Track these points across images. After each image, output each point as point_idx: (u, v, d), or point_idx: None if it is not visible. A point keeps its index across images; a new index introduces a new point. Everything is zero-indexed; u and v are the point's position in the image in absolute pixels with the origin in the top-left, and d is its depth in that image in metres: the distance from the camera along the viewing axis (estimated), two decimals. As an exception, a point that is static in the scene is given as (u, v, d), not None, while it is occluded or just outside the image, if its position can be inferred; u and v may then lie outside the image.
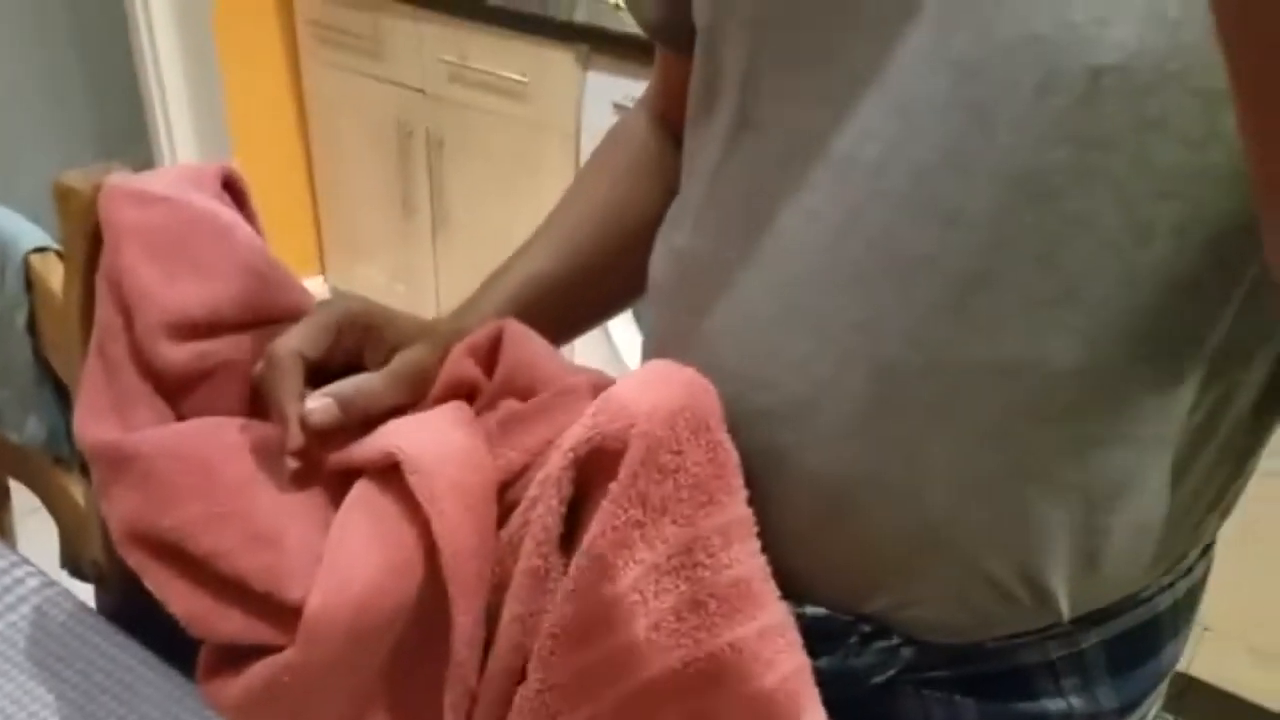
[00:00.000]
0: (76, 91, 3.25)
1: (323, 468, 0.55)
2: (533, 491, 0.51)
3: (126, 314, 0.60)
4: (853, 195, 0.48)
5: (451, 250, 2.40)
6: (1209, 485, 0.53)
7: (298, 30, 2.42)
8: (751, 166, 0.53)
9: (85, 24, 3.12)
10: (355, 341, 0.57)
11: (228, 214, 0.64)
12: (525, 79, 2.05)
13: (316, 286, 2.72)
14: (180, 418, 0.59)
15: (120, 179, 0.64)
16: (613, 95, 1.89)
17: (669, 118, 0.70)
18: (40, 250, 0.78)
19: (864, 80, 0.47)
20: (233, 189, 0.68)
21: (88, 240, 0.67)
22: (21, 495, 0.91)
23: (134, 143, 2.63)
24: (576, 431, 0.50)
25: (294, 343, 0.53)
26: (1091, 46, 0.41)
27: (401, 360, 0.56)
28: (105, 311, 0.61)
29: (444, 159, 2.30)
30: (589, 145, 1.91)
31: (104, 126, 3.28)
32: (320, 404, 0.52)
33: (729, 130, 0.54)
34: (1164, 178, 0.42)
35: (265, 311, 0.61)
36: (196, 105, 2.45)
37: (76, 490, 0.79)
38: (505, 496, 0.53)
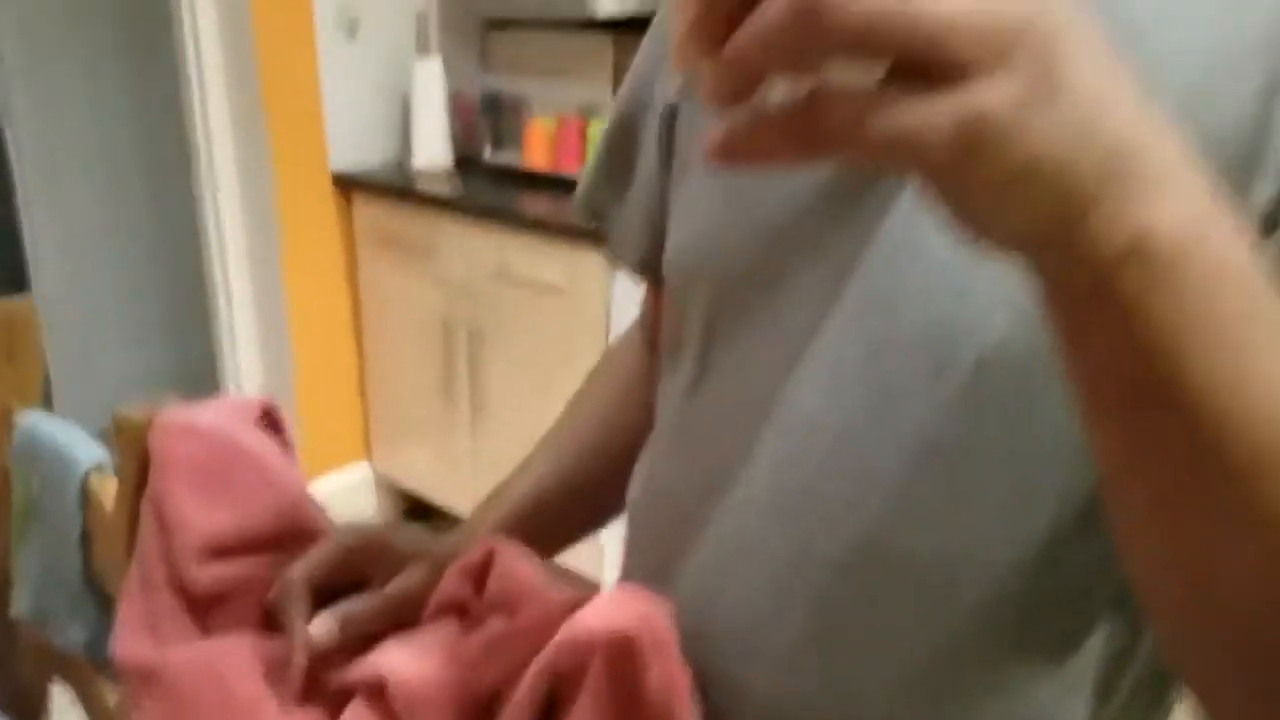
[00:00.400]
0: (149, 290, 3.50)
1: (326, 683, 0.61)
2: (509, 712, 0.57)
3: (165, 537, 0.68)
4: (789, 446, 0.55)
5: (489, 438, 2.50)
6: (1129, 715, 0.56)
7: (356, 237, 2.62)
8: (709, 410, 0.61)
9: (161, 235, 3.40)
10: (360, 564, 0.64)
11: (264, 447, 0.73)
12: (561, 280, 2.19)
13: (362, 471, 2.82)
14: (206, 631, 0.66)
15: (172, 413, 0.74)
16: (637, 296, 2.01)
17: (657, 344, 0.78)
18: (98, 469, 0.87)
19: (802, 346, 0.55)
20: (270, 419, 0.77)
21: (139, 467, 0.76)
22: (64, 692, 0.98)
23: (200, 335, 2.81)
24: (546, 654, 0.56)
25: (304, 569, 0.61)
26: (979, 334, 0.48)
27: (396, 585, 0.63)
28: (147, 534, 0.69)
29: (484, 352, 2.43)
30: (618, 343, 2.02)
31: (174, 319, 3.51)
32: (323, 627, 0.59)
33: (691, 376, 0.62)
34: (1047, 447, 0.48)
35: (288, 536, 0.69)
36: (260, 302, 2.63)
37: (110, 694, 0.86)
38: (486, 715, 0.59)
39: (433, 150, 2.55)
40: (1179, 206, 0.33)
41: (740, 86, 0.31)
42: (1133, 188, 0.33)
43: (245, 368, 2.69)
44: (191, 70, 2.42)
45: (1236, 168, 0.44)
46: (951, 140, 0.30)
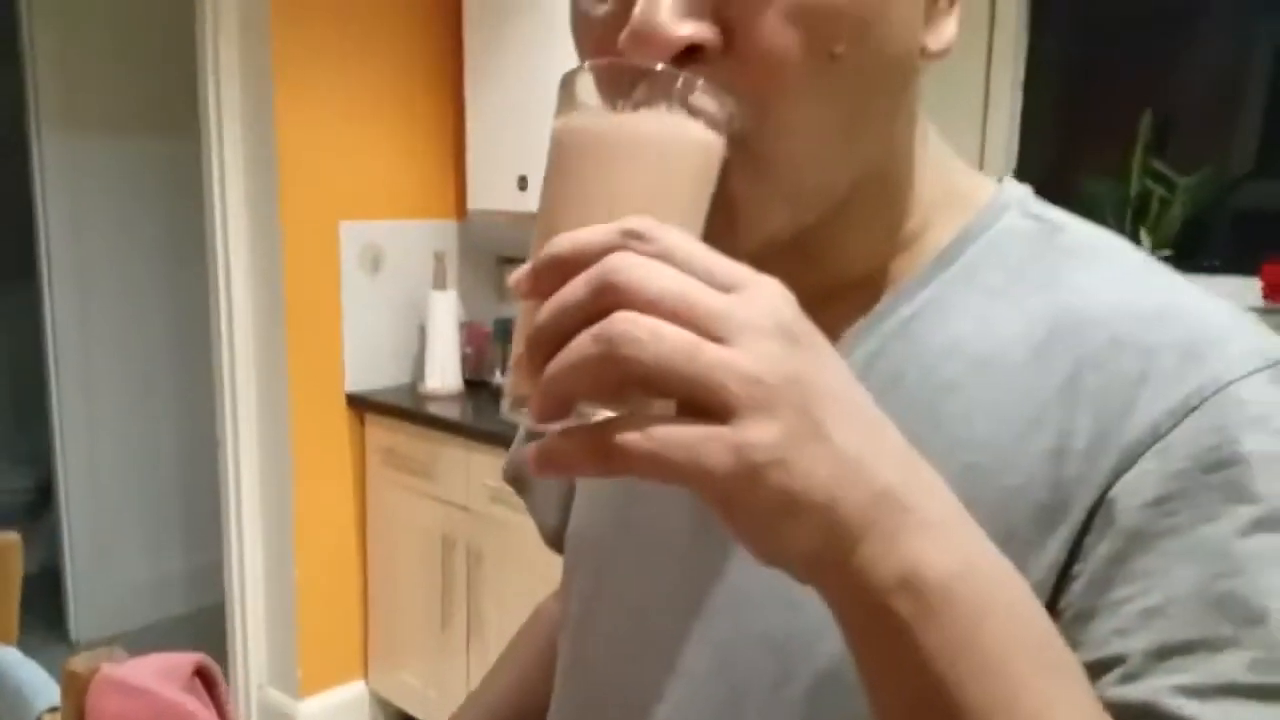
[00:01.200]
0: (167, 494, 3.60)
1: None
2: None
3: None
4: None
5: (484, 661, 2.50)
6: None
7: (366, 455, 2.72)
8: (583, 689, 0.65)
9: (183, 444, 3.53)
10: None
11: (195, 705, 0.78)
12: (555, 506, 2.25)
13: (358, 690, 2.80)
14: None
15: (109, 670, 0.79)
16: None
17: None
18: (51, 712, 0.92)
19: (665, 641, 0.59)
20: (204, 676, 0.82)
21: (78, 716, 0.81)
22: None
23: (211, 543, 2.88)
24: None
25: None
26: (815, 647, 0.51)
27: None
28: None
29: (482, 573, 2.46)
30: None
31: (189, 524, 3.59)
32: None
33: (570, 657, 0.67)
34: None
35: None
36: (268, 514, 2.71)
37: None
38: None
39: (445, 374, 2.68)
40: (946, 546, 0.38)
41: (554, 408, 0.36)
42: (901, 528, 0.37)
43: (250, 577, 2.74)
44: (222, 298, 2.60)
45: (1031, 522, 0.47)
46: (724, 468, 0.34)
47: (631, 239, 0.36)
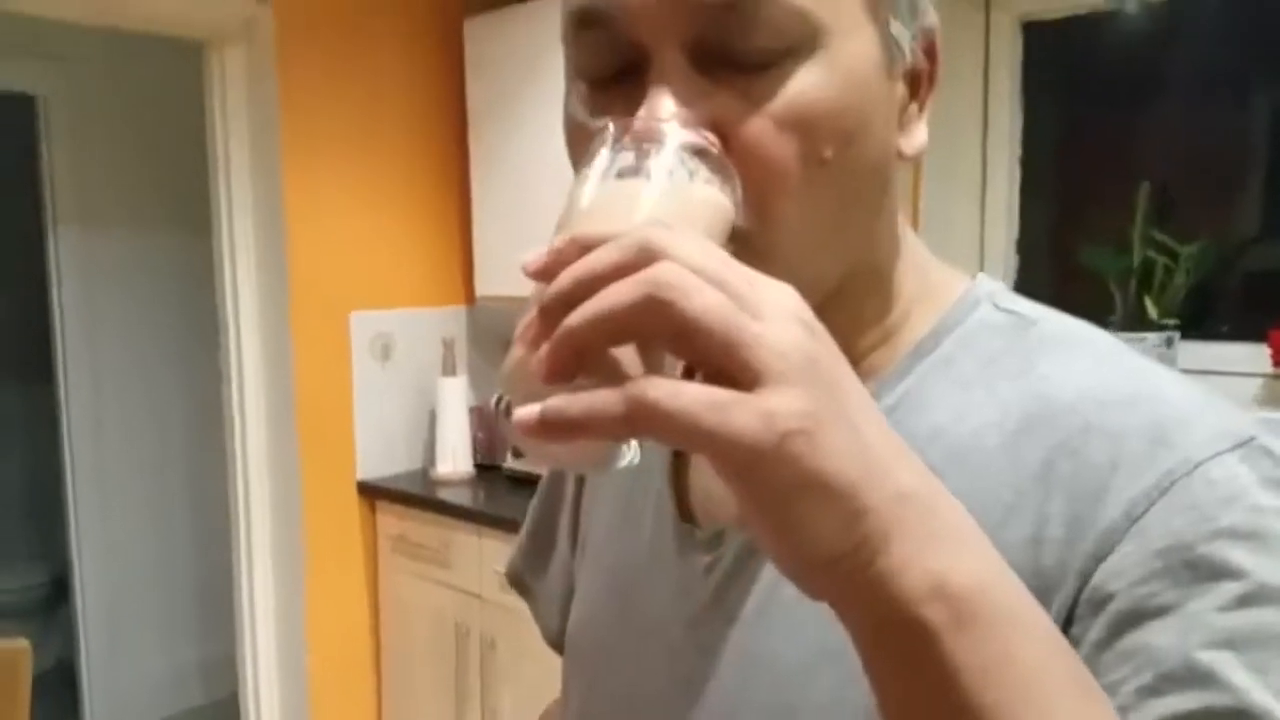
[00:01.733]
0: (181, 584, 3.58)
1: None
2: None
3: None
4: None
5: (498, 751, 2.44)
6: None
7: (378, 542, 2.70)
8: None
9: (196, 534, 3.53)
10: None
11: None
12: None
13: (371, 783, 2.74)
14: None
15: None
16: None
17: None
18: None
19: None
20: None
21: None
22: None
23: (226, 634, 2.85)
24: None
25: None
26: None
27: None
28: None
29: (496, 660, 2.43)
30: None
31: (203, 614, 3.56)
32: None
33: None
34: None
35: None
36: (280, 605, 2.68)
37: None
38: None
39: (456, 459, 2.68)
40: (975, 555, 0.38)
41: (568, 361, 0.35)
42: (930, 533, 0.37)
43: (264, 668, 2.70)
44: (234, 391, 2.62)
45: None
46: (750, 431, 0.33)
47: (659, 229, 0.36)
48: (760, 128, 0.47)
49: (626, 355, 0.37)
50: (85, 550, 3.34)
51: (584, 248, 0.36)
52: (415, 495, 2.60)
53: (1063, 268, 2.35)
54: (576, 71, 0.52)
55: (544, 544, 0.77)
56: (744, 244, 0.46)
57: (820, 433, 0.35)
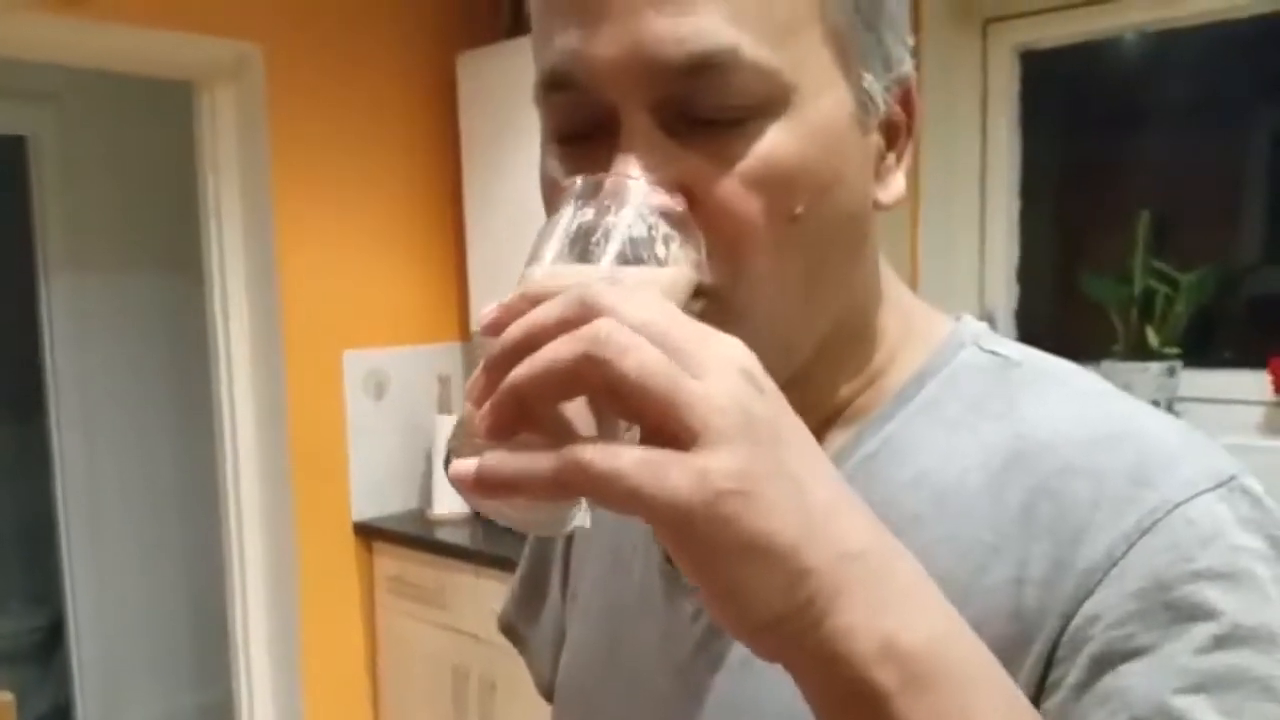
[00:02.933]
0: (176, 628, 3.54)
1: None
2: None
3: None
4: None
5: (499, 797, 2.40)
6: None
7: (375, 584, 2.67)
8: None
9: (191, 577, 3.49)
10: None
11: None
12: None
13: (370, 830, 2.70)
14: None
15: None
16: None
17: None
18: None
19: None
20: None
21: None
22: None
23: (222, 677, 2.81)
24: None
25: None
26: None
27: None
28: None
29: (495, 703, 2.39)
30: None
31: (198, 658, 3.52)
32: None
33: None
34: None
35: None
36: (276, 647, 2.65)
37: None
38: None
39: (452, 498, 2.64)
40: (925, 613, 0.38)
41: (509, 419, 0.35)
42: (878, 593, 0.36)
43: (260, 713, 2.66)
44: (227, 433, 2.60)
45: (997, 654, 0.45)
46: (684, 491, 0.33)
47: (607, 283, 0.36)
48: (729, 187, 0.46)
49: (580, 415, 0.37)
50: (80, 594, 3.31)
51: (533, 302, 0.36)
52: (412, 535, 2.56)
53: (1065, 297, 2.34)
54: (549, 132, 0.52)
55: (536, 592, 0.77)
56: (717, 300, 0.47)
57: (757, 492, 0.34)
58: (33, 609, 3.76)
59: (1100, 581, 0.45)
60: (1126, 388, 2.07)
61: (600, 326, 0.34)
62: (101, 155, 3.27)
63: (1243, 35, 2.05)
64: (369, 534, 2.66)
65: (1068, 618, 0.46)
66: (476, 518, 2.66)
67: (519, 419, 0.35)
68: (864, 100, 0.50)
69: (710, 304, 0.46)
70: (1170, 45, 2.17)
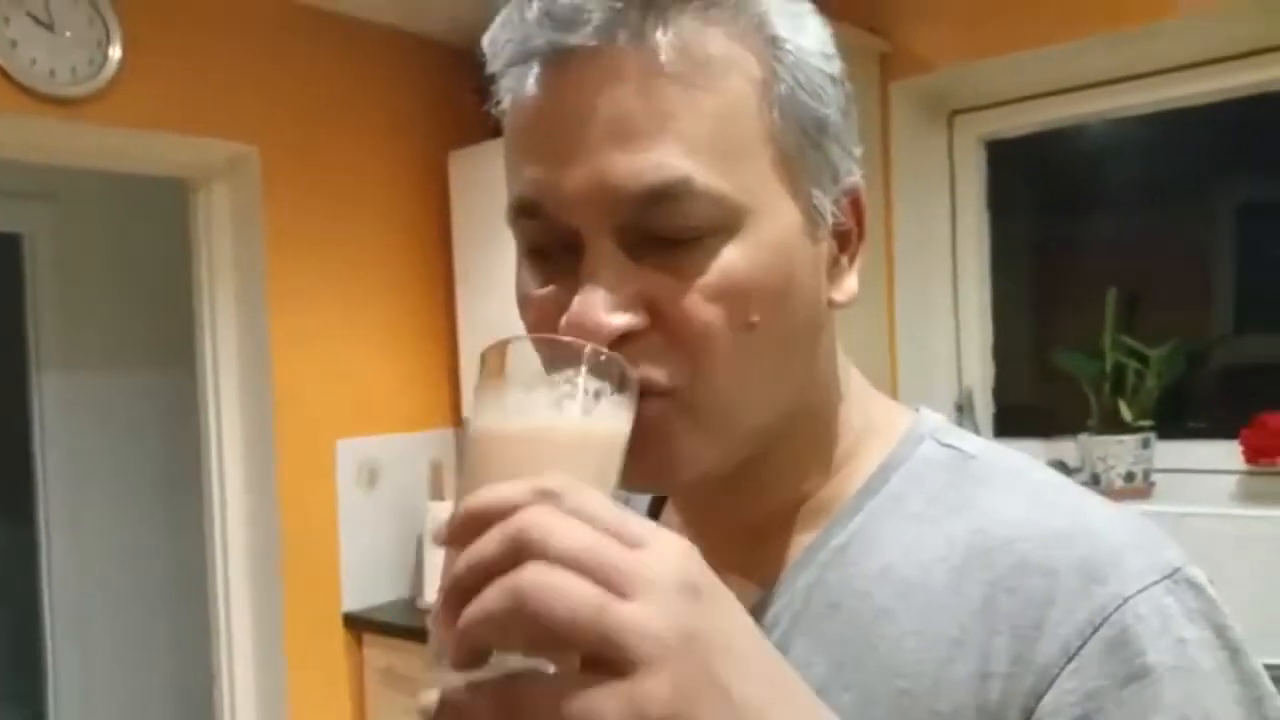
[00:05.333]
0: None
1: None
2: None
3: None
4: None
5: None
6: None
7: (365, 676, 2.65)
8: None
9: (177, 668, 3.44)
10: None
11: None
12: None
13: None
14: None
15: None
16: None
17: None
18: None
19: None
20: None
21: None
22: None
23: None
24: None
25: None
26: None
27: None
28: None
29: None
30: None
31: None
32: None
33: None
34: None
35: None
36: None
37: None
38: None
39: (443, 586, 2.64)
40: None
41: (469, 657, 0.38)
42: None
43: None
44: (217, 529, 2.59)
45: None
46: None
47: (546, 496, 0.39)
48: (691, 300, 0.50)
49: None
50: (63, 692, 3.25)
51: (477, 522, 0.39)
52: (402, 626, 2.55)
53: (1040, 373, 2.41)
54: (522, 249, 0.56)
55: None
56: (681, 400, 0.50)
57: (687, 712, 0.36)
58: (13, 708, 3.67)
59: (1057, 676, 0.48)
60: (1103, 460, 2.12)
61: (524, 575, 0.36)
62: (96, 252, 3.32)
63: (1197, 118, 2.16)
64: (359, 625, 2.64)
65: (1029, 712, 0.48)
66: (467, 605, 2.66)
67: (480, 655, 0.38)
68: (813, 214, 0.54)
69: (675, 403, 0.50)
70: (1131, 129, 2.27)
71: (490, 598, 0.37)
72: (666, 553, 0.39)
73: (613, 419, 0.47)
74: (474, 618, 0.37)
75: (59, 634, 3.26)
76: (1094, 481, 2.10)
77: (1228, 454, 2.05)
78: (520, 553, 0.37)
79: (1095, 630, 0.48)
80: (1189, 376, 2.19)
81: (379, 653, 2.61)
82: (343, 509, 2.63)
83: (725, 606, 0.40)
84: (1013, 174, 2.42)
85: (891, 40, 2.27)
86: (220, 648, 2.61)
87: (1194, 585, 0.50)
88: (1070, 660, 0.48)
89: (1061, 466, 2.19)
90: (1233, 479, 2.07)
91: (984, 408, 2.43)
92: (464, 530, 0.39)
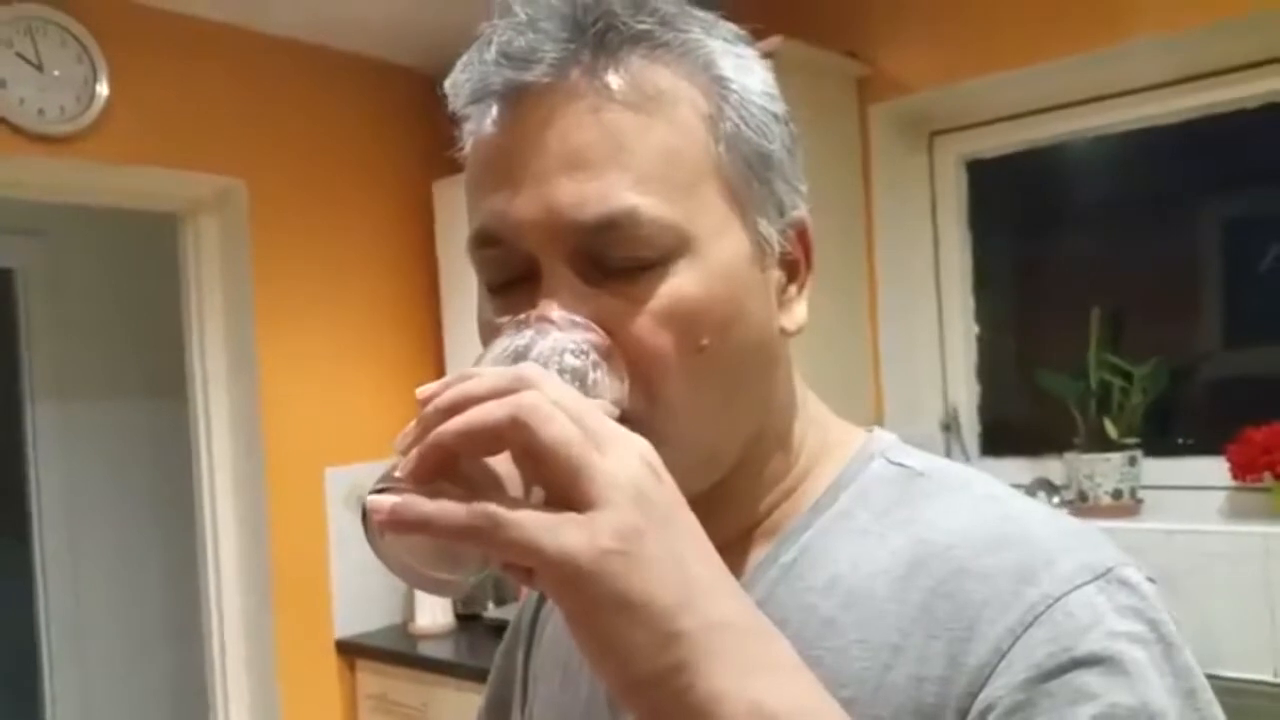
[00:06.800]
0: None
1: None
2: None
3: None
4: None
5: None
6: None
7: (358, 703, 2.65)
8: None
9: (171, 697, 3.44)
10: None
11: None
12: None
13: None
14: None
15: None
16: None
17: None
18: None
19: None
20: None
21: None
22: None
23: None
24: None
25: None
26: None
27: None
28: None
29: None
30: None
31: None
32: None
33: None
34: None
35: None
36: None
37: None
38: None
39: (435, 611, 2.65)
40: (794, 685, 0.42)
41: (432, 466, 0.39)
42: (747, 661, 0.40)
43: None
44: (210, 556, 2.61)
45: None
46: (570, 546, 0.37)
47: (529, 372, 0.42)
48: (641, 324, 0.52)
49: (489, 478, 0.41)
50: (60, 717, 3.25)
51: (468, 380, 0.42)
52: (394, 652, 2.56)
53: (1025, 392, 2.40)
54: (483, 282, 0.58)
55: (500, 715, 0.79)
56: (638, 426, 0.51)
57: (639, 554, 0.39)
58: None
59: (989, 676, 0.48)
60: (1090, 478, 2.10)
61: (528, 396, 0.39)
62: (87, 285, 3.34)
63: (1175, 135, 2.16)
64: (351, 652, 2.65)
65: (963, 713, 0.49)
66: (460, 629, 2.67)
67: (440, 469, 0.40)
68: (760, 243, 0.56)
69: (633, 428, 0.51)
70: (1111, 147, 2.27)
71: (484, 409, 0.39)
72: (636, 440, 0.43)
73: (601, 393, 0.49)
74: (461, 425, 0.39)
75: (56, 660, 3.27)
76: (1081, 499, 2.10)
77: (1215, 470, 2.05)
78: (517, 386, 0.40)
79: (1026, 629, 0.49)
80: (1175, 392, 2.19)
81: (372, 678, 2.62)
82: (333, 536, 2.64)
83: (682, 503, 0.43)
84: (994, 193, 2.42)
85: (870, 63, 2.28)
86: (214, 675, 2.62)
87: (1127, 583, 0.51)
88: (1002, 659, 0.48)
89: (1048, 485, 2.19)
90: (1220, 495, 2.06)
91: (970, 427, 2.44)
92: (452, 383, 0.42)
